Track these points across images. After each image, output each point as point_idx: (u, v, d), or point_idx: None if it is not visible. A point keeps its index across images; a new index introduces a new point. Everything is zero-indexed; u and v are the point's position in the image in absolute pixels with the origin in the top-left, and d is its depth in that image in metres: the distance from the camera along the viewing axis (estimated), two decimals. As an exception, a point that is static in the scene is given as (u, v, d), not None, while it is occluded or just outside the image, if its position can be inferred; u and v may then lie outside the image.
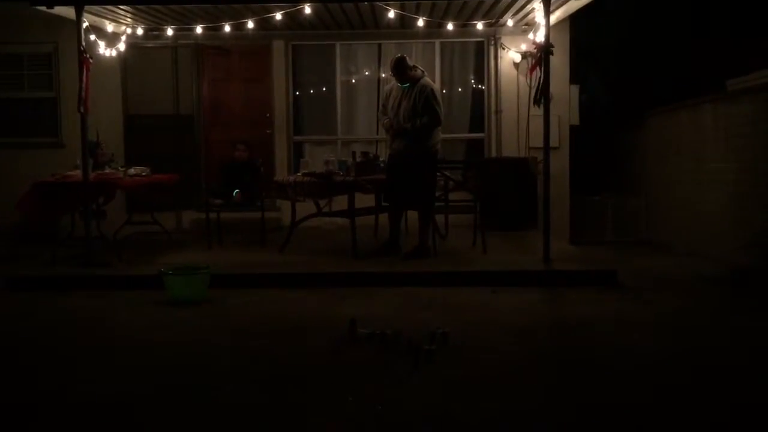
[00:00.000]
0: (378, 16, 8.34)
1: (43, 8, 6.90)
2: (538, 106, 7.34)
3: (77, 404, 3.58)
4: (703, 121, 8.12)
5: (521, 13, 8.25)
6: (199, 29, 8.40)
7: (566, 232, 9.03)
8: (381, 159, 7.79)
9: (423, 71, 6.94)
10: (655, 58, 11.23)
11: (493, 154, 9.43)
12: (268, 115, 9.58)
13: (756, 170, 6.95)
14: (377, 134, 9.39)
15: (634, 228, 9.64)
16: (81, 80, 6.81)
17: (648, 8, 11.06)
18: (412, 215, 7.30)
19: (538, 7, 7.26)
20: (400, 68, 6.78)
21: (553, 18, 7.51)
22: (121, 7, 7.57)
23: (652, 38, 11.23)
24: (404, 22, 8.48)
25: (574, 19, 8.69)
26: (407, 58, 6.91)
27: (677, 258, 7.91)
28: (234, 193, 7.91)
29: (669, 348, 4.45)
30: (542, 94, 6.89)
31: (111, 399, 3.64)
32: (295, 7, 7.41)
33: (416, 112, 6.69)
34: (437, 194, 7.31)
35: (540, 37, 7.10)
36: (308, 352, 4.39)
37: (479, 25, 8.69)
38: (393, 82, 7.00)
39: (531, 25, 8.65)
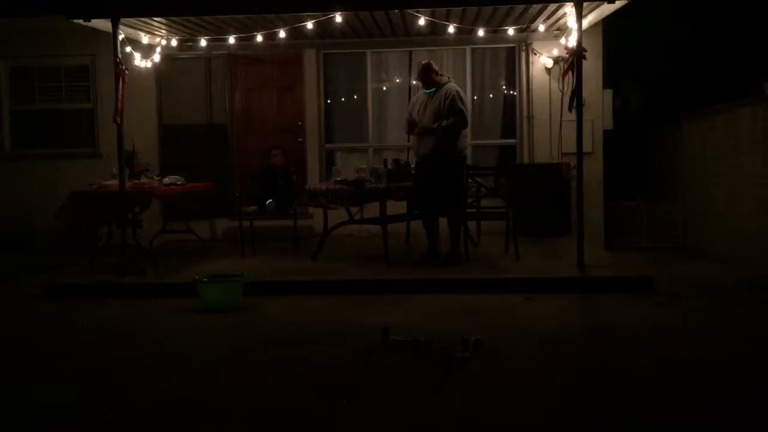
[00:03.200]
0: (408, 23, 8.36)
1: (81, 21, 7.03)
2: (571, 112, 7.29)
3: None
4: (740, 124, 7.98)
5: (553, 18, 8.19)
6: (231, 39, 8.50)
7: (600, 238, 8.93)
8: (413, 166, 7.78)
9: (449, 77, 7.00)
10: (690, 60, 11.07)
11: (526, 160, 9.37)
12: (300, 123, 9.64)
13: (796, 174, 6.81)
14: (408, 141, 9.37)
15: (670, 233, 9.49)
16: (117, 91, 6.92)
17: (681, 10, 10.91)
18: (442, 221, 7.27)
19: (569, 12, 7.21)
20: (426, 74, 6.87)
21: (585, 22, 7.45)
22: (156, 19, 7.69)
23: (686, 41, 11.07)
24: (435, 29, 8.48)
25: (607, 23, 8.60)
26: (433, 63, 6.99)
27: (714, 264, 7.76)
28: (267, 203, 7.97)
29: (706, 356, 4.37)
30: (574, 99, 6.83)
31: (150, 408, 3.69)
32: (326, 15, 7.46)
33: (441, 114, 6.72)
34: (469, 201, 7.28)
35: (572, 42, 7.05)
36: (342, 359, 4.40)
37: (510, 31, 8.64)
38: (420, 91, 7.04)
39: (563, 30, 8.59)
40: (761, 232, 7.36)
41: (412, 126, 6.96)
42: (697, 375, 4.01)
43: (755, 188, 7.56)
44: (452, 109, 6.70)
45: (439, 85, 6.86)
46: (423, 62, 7.02)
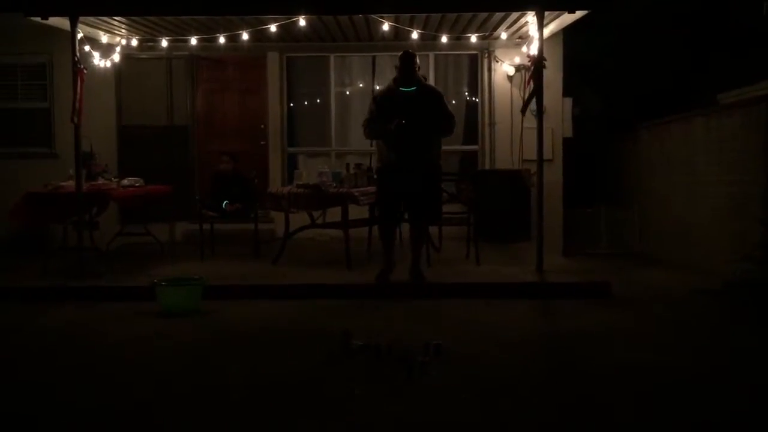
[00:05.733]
0: (372, 28, 8.38)
1: (38, 19, 6.90)
2: (524, 115, 7.36)
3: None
4: (695, 134, 8.17)
5: (515, 26, 8.29)
6: (193, 41, 8.41)
7: (559, 244, 9.03)
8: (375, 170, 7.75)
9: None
10: (649, 70, 11.30)
11: (487, 166, 9.46)
12: (262, 126, 9.59)
13: (748, 183, 6.98)
14: (371, 146, 9.39)
15: (628, 240, 9.65)
16: (75, 91, 6.81)
17: (641, 21, 11.13)
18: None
19: (531, 21, 7.30)
20: (412, 64, 6.15)
21: (547, 31, 7.55)
22: (116, 18, 7.58)
23: (646, 51, 11.30)
24: (398, 35, 8.51)
25: (568, 32, 8.73)
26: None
27: (670, 270, 7.92)
28: (224, 205, 7.89)
29: (661, 360, 4.45)
30: (527, 106, 6.93)
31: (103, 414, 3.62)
32: (290, 19, 7.43)
33: (436, 115, 6.21)
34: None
35: (533, 50, 7.13)
36: (301, 364, 4.37)
37: (473, 38, 8.73)
38: (381, 89, 6.52)
39: (524, 38, 8.70)
40: (715, 239, 7.53)
41: (399, 126, 6.02)
42: (647, 377, 4.08)
43: (710, 197, 7.74)
44: (446, 112, 6.29)
45: (420, 84, 6.29)
46: (407, 50, 6.26)
